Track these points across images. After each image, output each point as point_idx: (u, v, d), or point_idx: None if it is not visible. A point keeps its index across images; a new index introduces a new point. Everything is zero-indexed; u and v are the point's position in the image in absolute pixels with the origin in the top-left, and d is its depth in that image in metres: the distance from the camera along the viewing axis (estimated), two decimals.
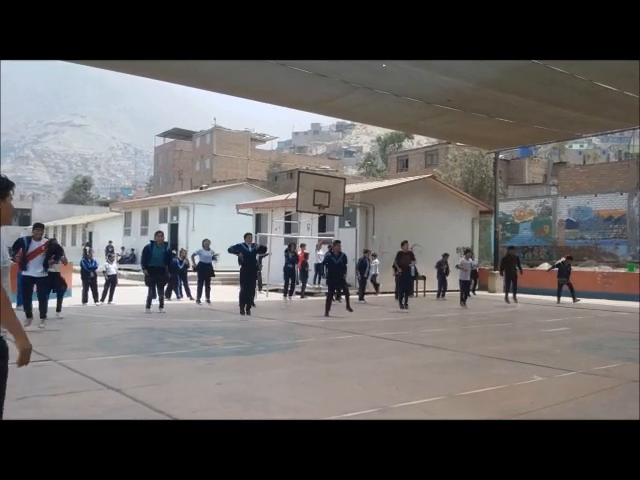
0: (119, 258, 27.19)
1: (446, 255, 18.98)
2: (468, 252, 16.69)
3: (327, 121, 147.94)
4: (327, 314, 12.39)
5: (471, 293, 19.69)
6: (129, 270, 25.92)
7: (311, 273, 19.21)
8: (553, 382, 6.40)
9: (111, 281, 14.31)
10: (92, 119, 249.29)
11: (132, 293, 16.46)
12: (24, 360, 2.58)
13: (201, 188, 34.39)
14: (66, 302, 14.44)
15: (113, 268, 14.46)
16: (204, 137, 62.00)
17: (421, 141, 69.57)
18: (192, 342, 8.66)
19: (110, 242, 30.95)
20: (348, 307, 12.87)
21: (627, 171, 26.86)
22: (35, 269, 9.34)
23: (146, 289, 12.86)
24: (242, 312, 12.22)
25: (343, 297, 13.47)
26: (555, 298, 17.25)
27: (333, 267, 12.89)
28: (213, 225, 26.16)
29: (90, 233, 39.36)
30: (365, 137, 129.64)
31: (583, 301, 17.16)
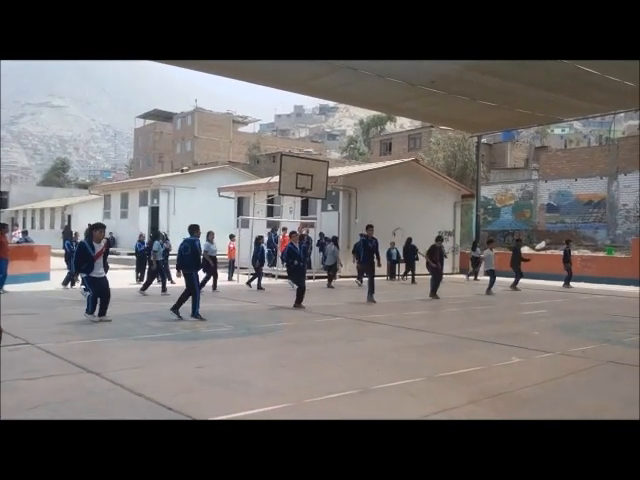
0: None
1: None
2: (491, 242, 16.57)
3: (310, 104, 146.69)
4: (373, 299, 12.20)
5: (471, 278, 19.92)
6: (110, 253, 25.63)
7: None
8: (531, 363, 6.49)
9: None
10: (70, 100, 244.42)
11: (112, 276, 16.27)
12: None
13: (182, 171, 34.01)
14: (46, 285, 14.31)
15: None
16: (185, 119, 61.22)
17: (404, 124, 69.54)
18: (173, 326, 8.60)
19: (89, 225, 30.54)
20: (371, 297, 12.26)
21: (607, 156, 27.15)
22: (97, 270, 8.86)
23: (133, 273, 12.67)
24: (300, 306, 10.99)
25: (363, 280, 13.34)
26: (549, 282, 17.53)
27: (368, 251, 12.49)
28: (194, 208, 25.96)
29: (69, 216, 38.82)
30: (348, 120, 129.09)
31: (554, 284, 17.39)
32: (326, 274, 16.88)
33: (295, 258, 11.01)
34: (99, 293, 8.85)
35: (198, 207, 25.92)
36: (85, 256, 8.78)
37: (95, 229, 9.17)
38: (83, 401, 4.52)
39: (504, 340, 7.80)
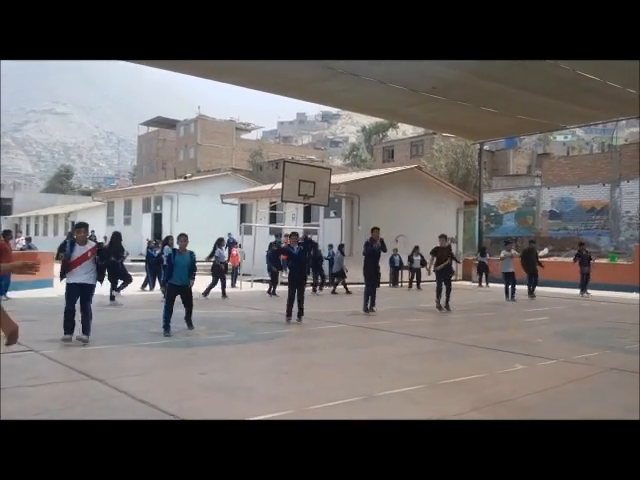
0: None
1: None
2: (509, 244, 15.91)
3: (313, 111, 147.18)
4: (366, 309, 11.36)
5: (483, 284, 19.86)
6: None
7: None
8: (534, 370, 6.47)
9: None
10: (74, 107, 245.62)
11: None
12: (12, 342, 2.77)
13: (185, 178, 34.09)
14: (49, 292, 14.33)
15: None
16: (188, 126, 61.45)
17: (407, 131, 69.63)
18: (175, 332, 8.59)
19: (92, 232, 30.62)
20: (371, 306, 11.49)
21: (610, 162, 27.12)
22: (80, 275, 7.48)
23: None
24: (288, 316, 10.06)
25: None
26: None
27: (371, 256, 11.53)
28: (197, 215, 26.03)
29: (72, 223, 38.91)
30: (351, 127, 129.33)
31: (564, 291, 17.32)
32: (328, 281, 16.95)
33: (273, 263, 10.54)
34: (72, 305, 7.49)
35: (201, 214, 26.00)
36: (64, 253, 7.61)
37: (75, 228, 7.97)
38: (85, 408, 4.52)
39: (507, 347, 7.78)
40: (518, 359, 6.96)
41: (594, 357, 7.24)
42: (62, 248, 7.76)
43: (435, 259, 12.35)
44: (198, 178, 33.62)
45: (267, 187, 23.89)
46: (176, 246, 8.97)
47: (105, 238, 31.22)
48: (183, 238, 8.70)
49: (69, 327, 7.47)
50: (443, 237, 12.69)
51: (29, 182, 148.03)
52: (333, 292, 16.27)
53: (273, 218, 22.82)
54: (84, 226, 7.84)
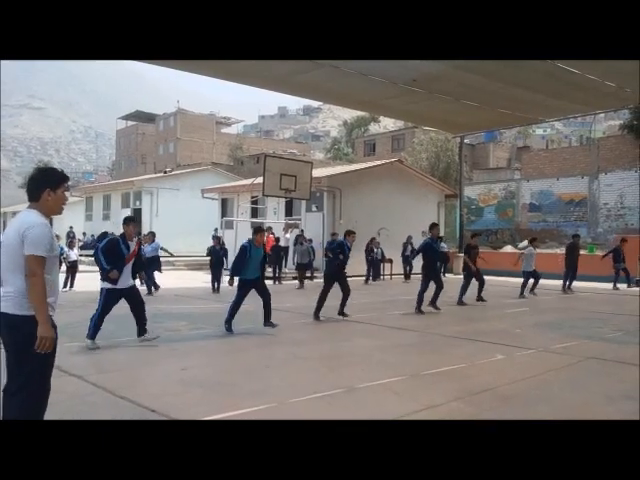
0: (80, 244, 26.59)
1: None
2: (534, 240, 14.95)
3: (294, 104, 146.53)
4: (420, 309, 10.60)
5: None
6: (90, 256, 25.37)
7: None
8: (514, 360, 6.53)
9: (72, 267, 13.99)
10: (51, 102, 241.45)
11: (93, 279, 16.07)
12: (41, 346, 2.87)
13: (165, 172, 33.81)
14: None
15: (74, 254, 14.13)
16: (167, 120, 60.82)
17: (388, 125, 69.79)
18: (155, 328, 8.48)
19: (71, 227, 30.21)
20: (434, 304, 10.86)
21: (588, 155, 27.48)
22: (125, 279, 7.03)
23: None
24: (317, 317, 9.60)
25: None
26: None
27: (434, 254, 10.90)
28: (178, 210, 25.83)
29: (50, 218, 38.35)
30: (332, 121, 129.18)
31: (544, 282, 17.47)
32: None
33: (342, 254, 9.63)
34: (108, 310, 6.99)
35: (181, 209, 25.81)
36: (117, 254, 6.91)
37: (125, 223, 7.22)
38: (65, 405, 4.43)
39: (487, 338, 7.84)
40: (498, 349, 7.02)
41: (573, 346, 7.32)
42: (113, 247, 6.93)
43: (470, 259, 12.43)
44: (178, 172, 33.33)
45: (248, 181, 23.76)
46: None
47: (84, 234, 30.86)
48: (261, 233, 8.44)
49: (95, 332, 6.88)
50: (476, 236, 13.66)
51: (6, 178, 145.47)
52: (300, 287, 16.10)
53: (255, 212, 22.72)
54: (132, 220, 7.31)
